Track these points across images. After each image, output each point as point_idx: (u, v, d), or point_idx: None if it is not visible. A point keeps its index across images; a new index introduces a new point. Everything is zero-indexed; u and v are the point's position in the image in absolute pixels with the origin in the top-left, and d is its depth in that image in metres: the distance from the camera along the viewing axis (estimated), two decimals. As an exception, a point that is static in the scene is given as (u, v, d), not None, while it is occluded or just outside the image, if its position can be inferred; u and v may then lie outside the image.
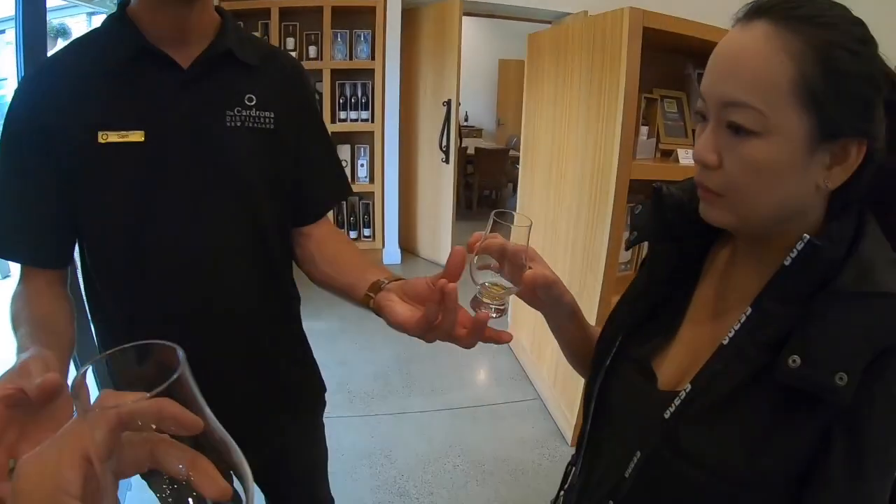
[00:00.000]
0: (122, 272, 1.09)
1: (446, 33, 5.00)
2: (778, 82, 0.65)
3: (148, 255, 1.07)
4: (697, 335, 0.86)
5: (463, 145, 7.93)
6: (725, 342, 0.75)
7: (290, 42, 4.98)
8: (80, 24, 2.85)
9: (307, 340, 1.40)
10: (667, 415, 0.78)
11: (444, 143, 5.16)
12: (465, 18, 5.02)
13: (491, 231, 0.83)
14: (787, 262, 0.70)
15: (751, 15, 0.69)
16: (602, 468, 0.93)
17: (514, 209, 4.03)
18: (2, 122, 1.03)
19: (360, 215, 5.60)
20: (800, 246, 0.69)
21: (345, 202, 5.47)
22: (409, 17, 5.28)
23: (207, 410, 0.42)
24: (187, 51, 1.05)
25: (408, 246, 6.00)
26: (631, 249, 2.58)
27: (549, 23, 5.32)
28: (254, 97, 1.11)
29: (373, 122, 5.29)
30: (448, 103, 5.06)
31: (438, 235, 5.69)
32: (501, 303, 0.86)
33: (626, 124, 2.35)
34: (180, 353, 0.41)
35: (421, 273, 5.59)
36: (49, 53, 2.30)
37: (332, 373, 3.56)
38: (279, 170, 1.16)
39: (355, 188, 5.39)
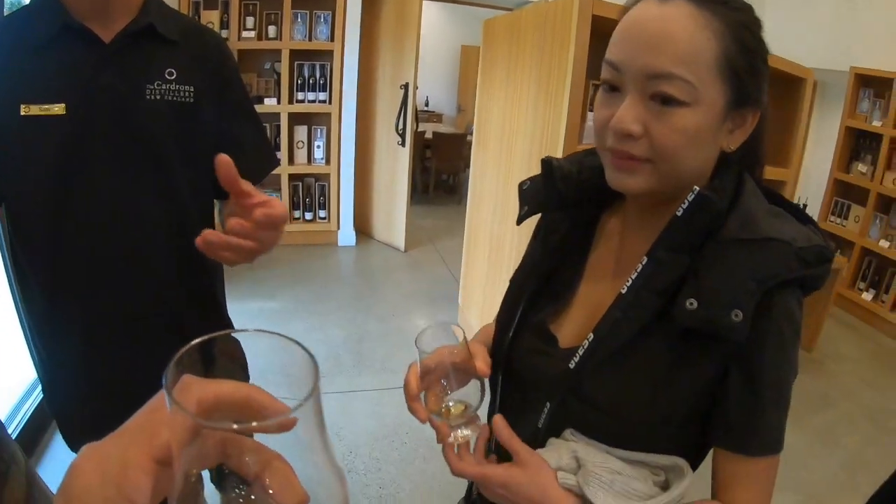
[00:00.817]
0: (40, 240, 1.11)
1: (406, 17, 5.00)
2: (705, 57, 0.71)
3: (66, 224, 1.10)
4: (595, 296, 0.91)
5: (421, 129, 7.93)
6: (624, 291, 0.80)
7: (250, 21, 4.91)
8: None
9: (228, 314, 1.43)
10: (572, 365, 0.82)
11: (401, 127, 5.18)
12: (428, 4, 5.02)
13: (421, 358, 0.84)
14: (678, 213, 0.76)
15: None
16: (516, 431, 0.95)
17: (468, 190, 4.00)
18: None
19: (316, 196, 5.58)
20: (690, 197, 0.75)
21: (300, 183, 5.47)
22: (370, 0, 5.26)
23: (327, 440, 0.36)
24: (110, 26, 1.07)
25: (363, 228, 6.01)
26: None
27: (511, 10, 5.35)
28: (174, 71, 1.13)
29: (330, 103, 5.27)
30: (406, 87, 5.07)
31: (393, 218, 5.71)
32: (471, 419, 0.85)
33: (572, 110, 2.42)
34: (310, 359, 0.35)
35: (375, 256, 5.64)
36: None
37: (284, 352, 3.57)
38: (197, 142, 1.18)
39: (311, 169, 5.40)
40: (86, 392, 1.23)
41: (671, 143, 0.74)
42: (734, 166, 0.82)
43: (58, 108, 1.04)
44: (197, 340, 0.35)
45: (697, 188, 0.75)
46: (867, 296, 5.14)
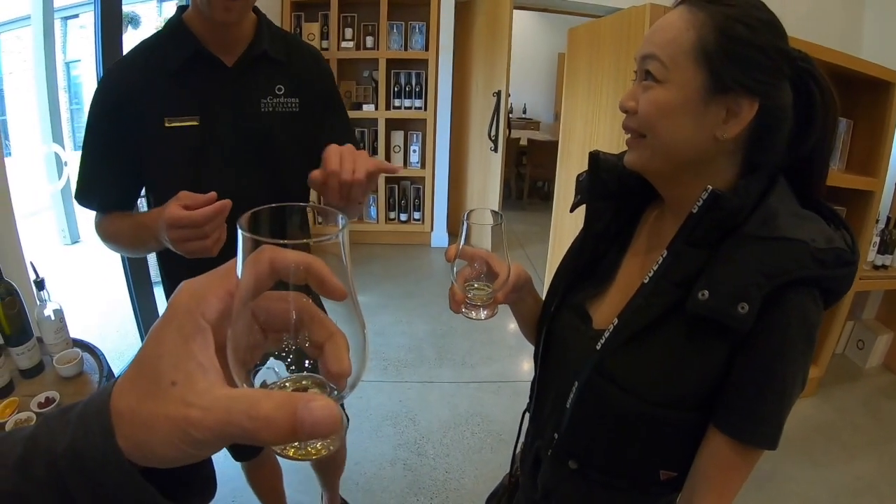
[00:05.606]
0: None
1: (498, 27, 5.12)
2: (681, 43, 0.82)
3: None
4: (628, 281, 0.99)
5: (516, 136, 8.03)
6: (646, 281, 0.89)
7: (349, 32, 5.23)
8: (151, 11, 3.14)
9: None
10: (598, 346, 0.91)
11: (493, 133, 5.31)
12: (523, 14, 5.11)
13: (466, 231, 0.93)
14: (693, 210, 0.84)
15: (679, 2, 0.86)
16: (549, 405, 1.06)
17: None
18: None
19: (411, 199, 5.83)
20: (704, 195, 0.82)
21: (396, 186, 5.73)
22: (463, 10, 5.45)
23: (352, 287, 0.41)
24: (232, 51, 1.34)
25: (456, 231, 6.15)
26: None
27: (600, 17, 5.38)
28: (283, 87, 1.40)
29: (426, 109, 5.50)
30: (498, 94, 5.20)
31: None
32: (488, 304, 0.98)
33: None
34: (342, 219, 0.41)
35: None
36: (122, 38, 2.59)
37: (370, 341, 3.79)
38: (303, 144, 1.43)
39: (407, 173, 5.64)
40: None
41: (646, 114, 0.85)
42: (764, 171, 0.86)
43: (193, 121, 1.31)
44: (260, 207, 0.41)
45: (710, 187, 0.82)
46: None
